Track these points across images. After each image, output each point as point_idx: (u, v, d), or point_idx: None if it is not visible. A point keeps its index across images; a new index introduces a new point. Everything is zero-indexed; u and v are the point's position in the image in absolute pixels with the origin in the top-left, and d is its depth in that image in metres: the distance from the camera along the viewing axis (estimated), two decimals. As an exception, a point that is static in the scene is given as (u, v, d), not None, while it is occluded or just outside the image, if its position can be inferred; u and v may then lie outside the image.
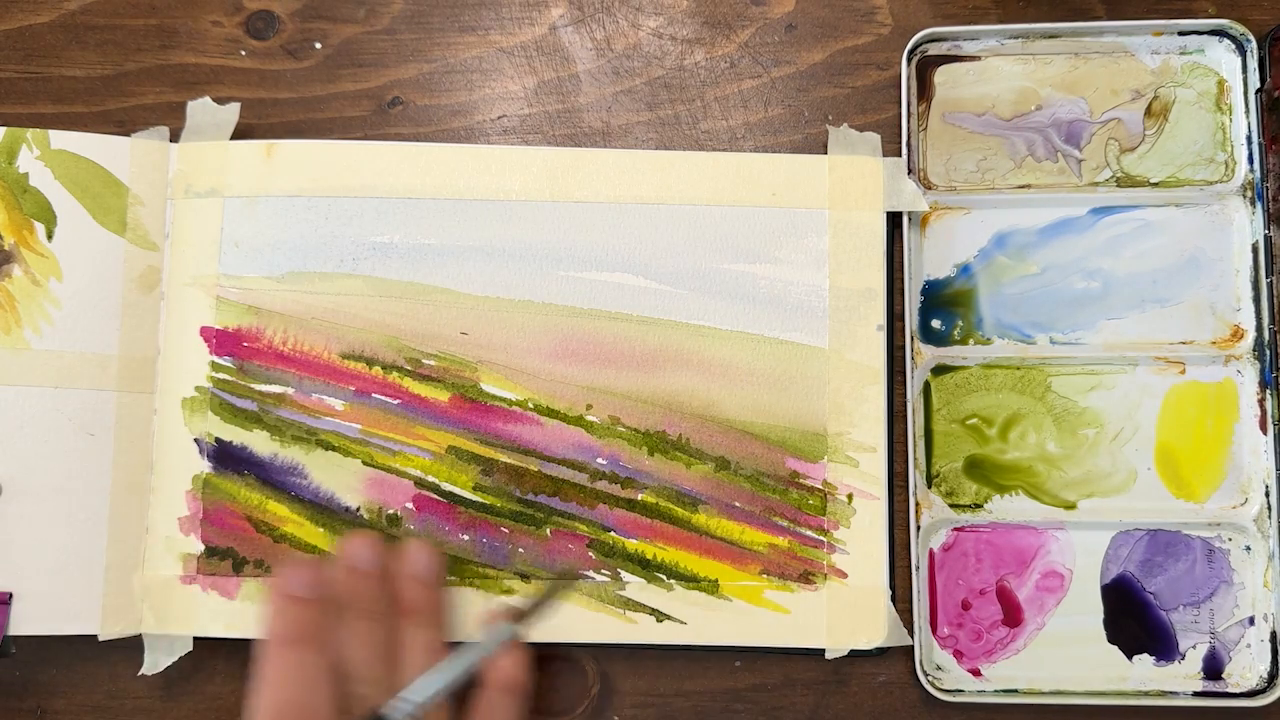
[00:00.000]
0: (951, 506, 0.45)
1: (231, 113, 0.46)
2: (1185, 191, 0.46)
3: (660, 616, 0.44)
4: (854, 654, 0.43)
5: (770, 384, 0.45)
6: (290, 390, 0.45)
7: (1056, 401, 0.45)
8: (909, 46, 0.46)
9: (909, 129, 0.46)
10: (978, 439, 0.45)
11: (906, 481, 0.44)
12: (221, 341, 0.45)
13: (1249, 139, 0.45)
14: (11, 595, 0.43)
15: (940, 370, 0.46)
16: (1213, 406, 0.45)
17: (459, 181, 0.46)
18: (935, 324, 0.46)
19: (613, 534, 0.44)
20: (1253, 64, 0.45)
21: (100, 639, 0.43)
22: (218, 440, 0.45)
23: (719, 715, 0.45)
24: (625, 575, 0.44)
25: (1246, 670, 0.44)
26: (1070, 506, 0.45)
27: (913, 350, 0.45)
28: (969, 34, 0.46)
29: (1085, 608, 0.44)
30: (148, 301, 0.45)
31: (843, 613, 0.43)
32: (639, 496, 0.44)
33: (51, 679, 0.45)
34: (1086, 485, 0.45)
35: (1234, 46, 0.46)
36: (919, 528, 0.44)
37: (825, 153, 0.46)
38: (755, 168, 0.46)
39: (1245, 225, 0.45)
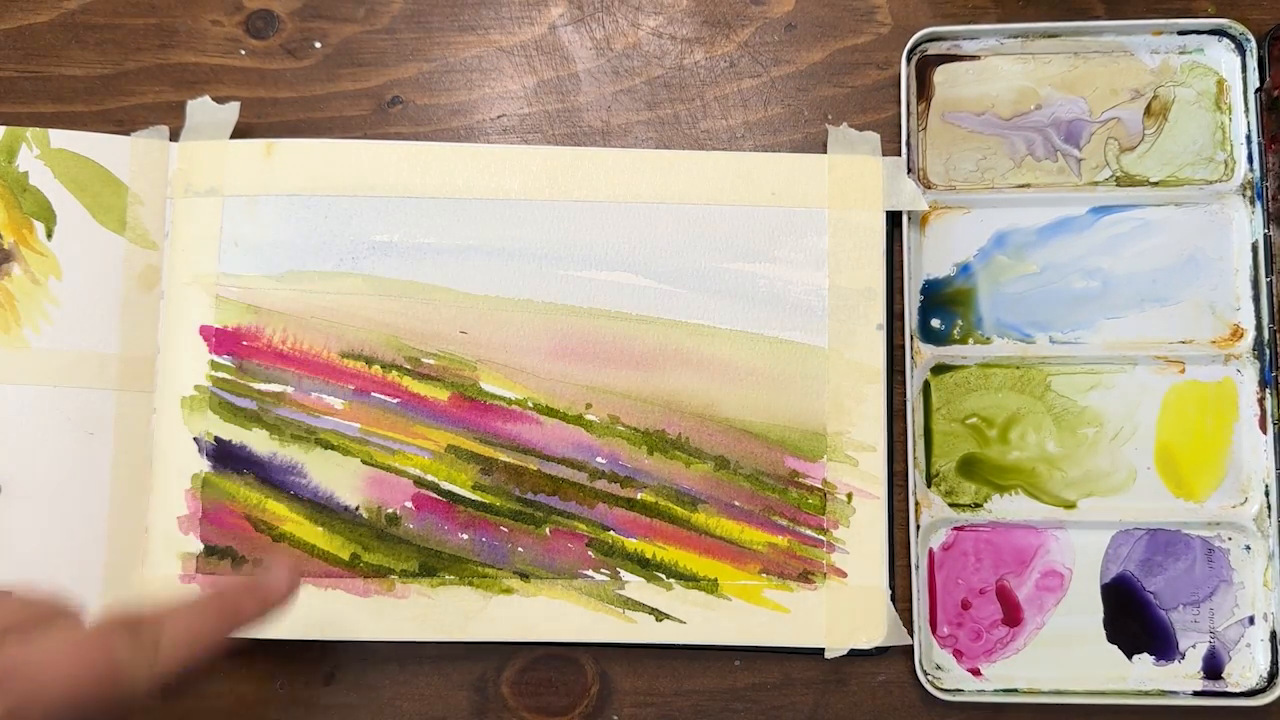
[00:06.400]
0: (951, 506, 0.45)
1: (231, 112, 0.46)
2: (1185, 191, 0.46)
3: (660, 616, 0.44)
4: (853, 653, 0.43)
5: (770, 383, 0.45)
6: (289, 389, 0.45)
7: (1056, 401, 0.45)
8: (909, 46, 0.46)
9: (909, 128, 0.46)
10: (977, 438, 0.45)
11: (906, 481, 0.44)
12: (221, 340, 0.45)
13: (1248, 138, 0.45)
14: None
15: (940, 369, 0.45)
16: (1212, 406, 0.45)
17: (459, 181, 0.46)
18: (935, 323, 0.46)
19: (612, 533, 0.44)
20: (1252, 63, 0.45)
21: (99, 638, 0.43)
22: (217, 439, 0.45)
23: (719, 715, 0.44)
24: (625, 574, 0.44)
25: (1246, 670, 0.44)
26: (1070, 506, 0.45)
27: (912, 349, 0.45)
28: (969, 33, 0.46)
29: (1085, 607, 0.44)
30: (147, 300, 0.45)
31: (842, 612, 0.43)
32: (638, 495, 0.44)
33: (50, 678, 0.45)
34: (1086, 485, 0.45)
35: (1233, 46, 0.46)
36: (919, 527, 0.44)
37: (825, 152, 0.46)
38: (755, 167, 0.46)
39: (1245, 225, 0.45)
